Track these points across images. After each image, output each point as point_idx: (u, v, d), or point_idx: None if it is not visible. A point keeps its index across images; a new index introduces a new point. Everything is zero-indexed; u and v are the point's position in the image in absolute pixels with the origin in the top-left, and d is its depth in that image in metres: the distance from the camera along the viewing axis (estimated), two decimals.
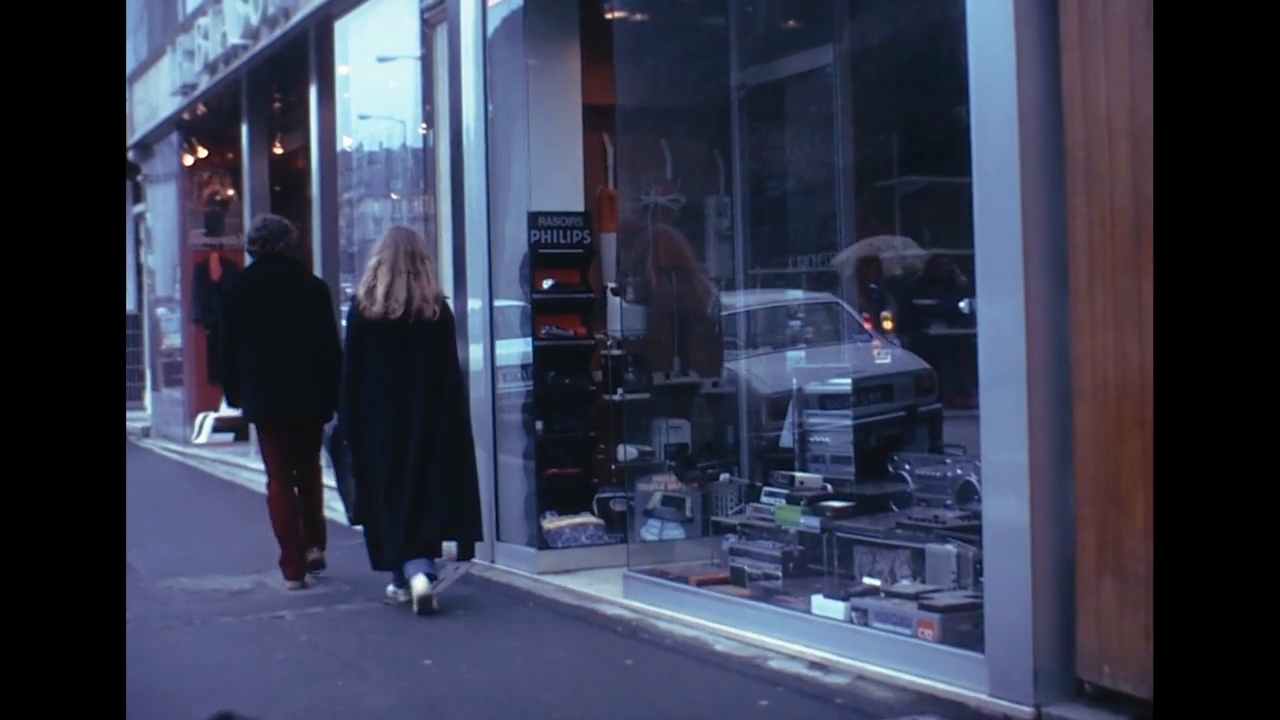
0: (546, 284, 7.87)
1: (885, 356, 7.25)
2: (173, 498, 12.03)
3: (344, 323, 7.29)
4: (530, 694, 5.33)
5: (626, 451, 7.57)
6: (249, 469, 12.39)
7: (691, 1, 8.15)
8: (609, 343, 7.96)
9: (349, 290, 10.16)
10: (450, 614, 6.85)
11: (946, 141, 5.60)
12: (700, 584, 6.40)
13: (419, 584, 6.77)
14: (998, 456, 4.75)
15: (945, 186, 6.36)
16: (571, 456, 7.97)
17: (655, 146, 8.11)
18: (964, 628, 5.01)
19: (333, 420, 7.35)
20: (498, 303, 8.05)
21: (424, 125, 9.64)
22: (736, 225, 7.74)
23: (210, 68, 13.95)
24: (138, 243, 19.61)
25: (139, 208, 19.10)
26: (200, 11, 14.23)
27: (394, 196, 10.61)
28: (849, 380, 6.91)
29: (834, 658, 5.39)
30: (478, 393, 8.03)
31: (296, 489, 7.79)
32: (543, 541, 7.64)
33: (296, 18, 11.54)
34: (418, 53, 9.60)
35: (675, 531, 7.34)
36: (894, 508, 6.12)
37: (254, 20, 12.33)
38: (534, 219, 7.83)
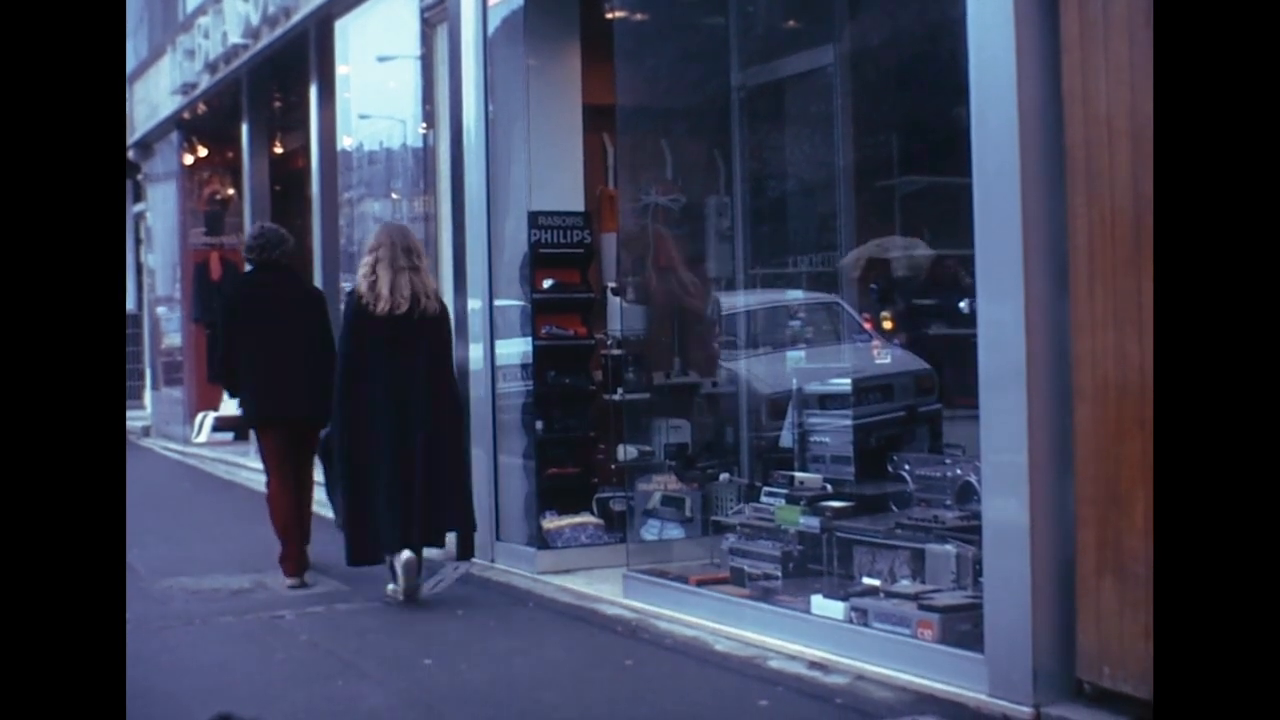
0: (547, 284, 7.88)
1: (885, 356, 7.25)
2: (173, 497, 12.03)
3: (343, 316, 7.32)
4: (530, 694, 5.33)
5: (626, 451, 7.57)
6: (249, 468, 12.38)
7: (692, 1, 8.14)
8: (609, 342, 7.96)
9: (349, 289, 10.16)
10: (450, 614, 6.85)
11: (947, 142, 5.60)
12: (700, 584, 6.40)
13: (407, 558, 6.91)
14: (998, 457, 4.75)
15: (945, 187, 6.36)
16: (571, 456, 7.97)
17: (655, 146, 8.11)
18: (964, 628, 5.01)
19: (327, 427, 7.40)
20: (498, 302, 8.05)
21: (424, 125, 9.63)
22: (737, 225, 7.74)
23: (210, 67, 13.95)
24: (138, 242, 19.61)
25: (139, 207, 19.10)
26: (200, 11, 14.23)
27: (394, 196, 10.60)
28: (849, 380, 6.91)
29: (834, 658, 5.39)
30: (478, 392, 8.04)
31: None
32: (543, 541, 7.64)
33: (297, 17, 11.54)
34: (418, 52, 9.59)
35: (675, 531, 7.35)
36: (894, 508, 6.12)
37: (254, 20, 12.33)
38: (534, 219, 7.83)
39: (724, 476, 7.31)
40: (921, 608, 5.20)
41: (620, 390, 7.70)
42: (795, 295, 7.85)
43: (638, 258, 8.10)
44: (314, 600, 7.27)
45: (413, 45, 9.67)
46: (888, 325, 7.37)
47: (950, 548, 5.44)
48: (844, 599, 5.57)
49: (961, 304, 6.00)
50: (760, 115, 7.84)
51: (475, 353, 8.09)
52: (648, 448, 7.66)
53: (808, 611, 5.70)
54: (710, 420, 7.89)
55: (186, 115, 15.79)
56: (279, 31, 11.97)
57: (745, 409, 7.70)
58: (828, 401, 6.93)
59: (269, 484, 7.86)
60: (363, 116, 11.17)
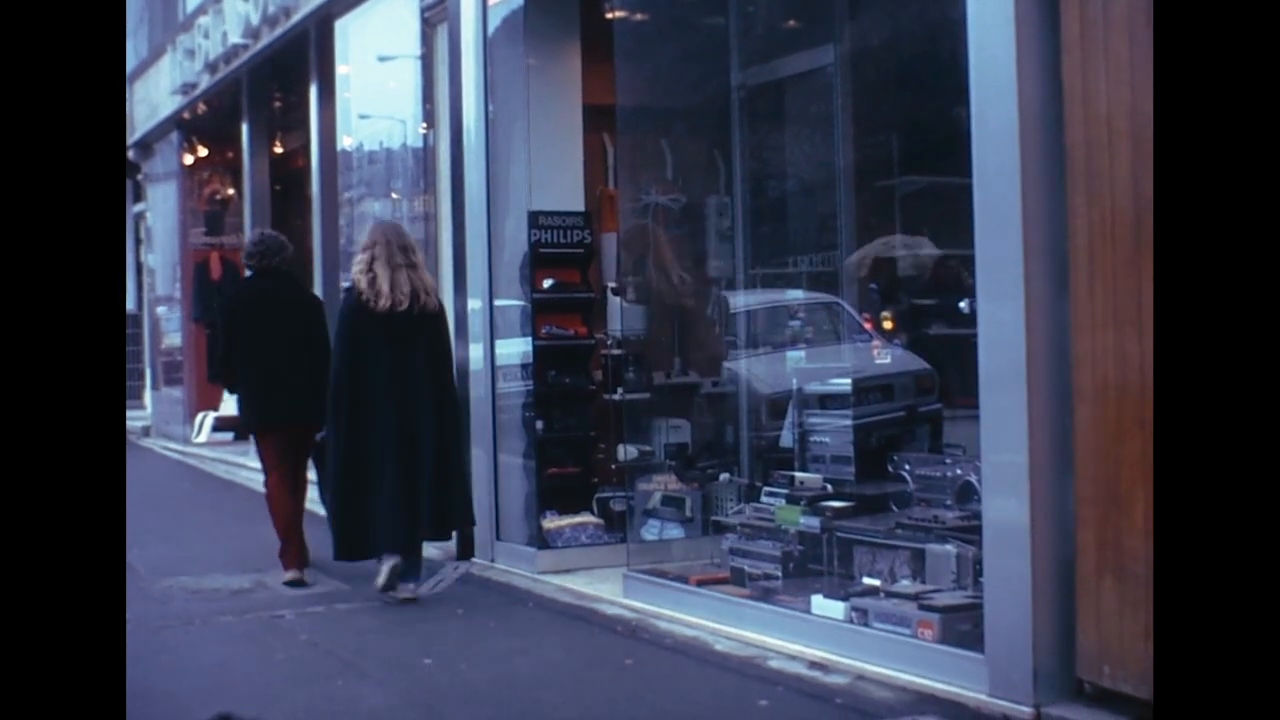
0: (547, 283, 7.88)
1: (885, 356, 7.25)
2: (173, 497, 12.03)
3: (340, 312, 7.34)
4: (530, 694, 5.33)
5: (626, 451, 7.57)
6: (249, 468, 12.37)
7: (692, 1, 8.14)
8: (609, 342, 7.96)
9: (347, 286, 10.16)
10: (450, 614, 6.85)
11: (947, 142, 5.60)
12: (700, 584, 6.40)
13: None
14: (998, 456, 4.75)
15: (945, 187, 6.35)
16: (572, 456, 7.97)
17: (655, 146, 8.11)
18: (964, 628, 5.01)
19: (323, 431, 7.43)
20: (498, 302, 8.05)
21: (424, 125, 9.63)
22: (737, 225, 7.74)
23: (211, 67, 13.95)
24: (138, 242, 19.61)
25: (139, 206, 19.09)
26: (201, 10, 14.23)
27: (394, 196, 10.60)
28: (849, 380, 6.91)
29: (834, 658, 5.39)
30: (478, 392, 8.04)
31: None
32: (543, 541, 7.64)
33: (297, 17, 11.54)
34: (418, 52, 9.59)
35: (675, 531, 7.35)
36: (894, 508, 6.12)
37: (254, 19, 12.33)
38: (534, 218, 7.84)
39: (724, 476, 7.31)
40: (922, 608, 5.20)
41: (620, 390, 7.70)
42: (795, 295, 7.85)
43: (638, 258, 8.10)
44: (314, 600, 7.27)
45: (413, 45, 9.67)
46: (888, 325, 7.37)
47: (950, 548, 5.44)
48: (844, 599, 5.57)
49: (961, 304, 6.00)
50: (760, 115, 7.85)
51: (475, 352, 8.09)
52: (648, 447, 7.66)
53: (808, 611, 5.70)
54: (710, 420, 7.89)
55: (186, 115, 15.79)
56: (279, 31, 11.97)
57: (745, 409, 7.71)
58: (828, 401, 6.93)
59: (267, 482, 7.97)
60: (363, 116, 11.17)
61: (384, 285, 6.97)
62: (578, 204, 8.09)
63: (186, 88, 15.00)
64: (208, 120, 15.64)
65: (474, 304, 8.15)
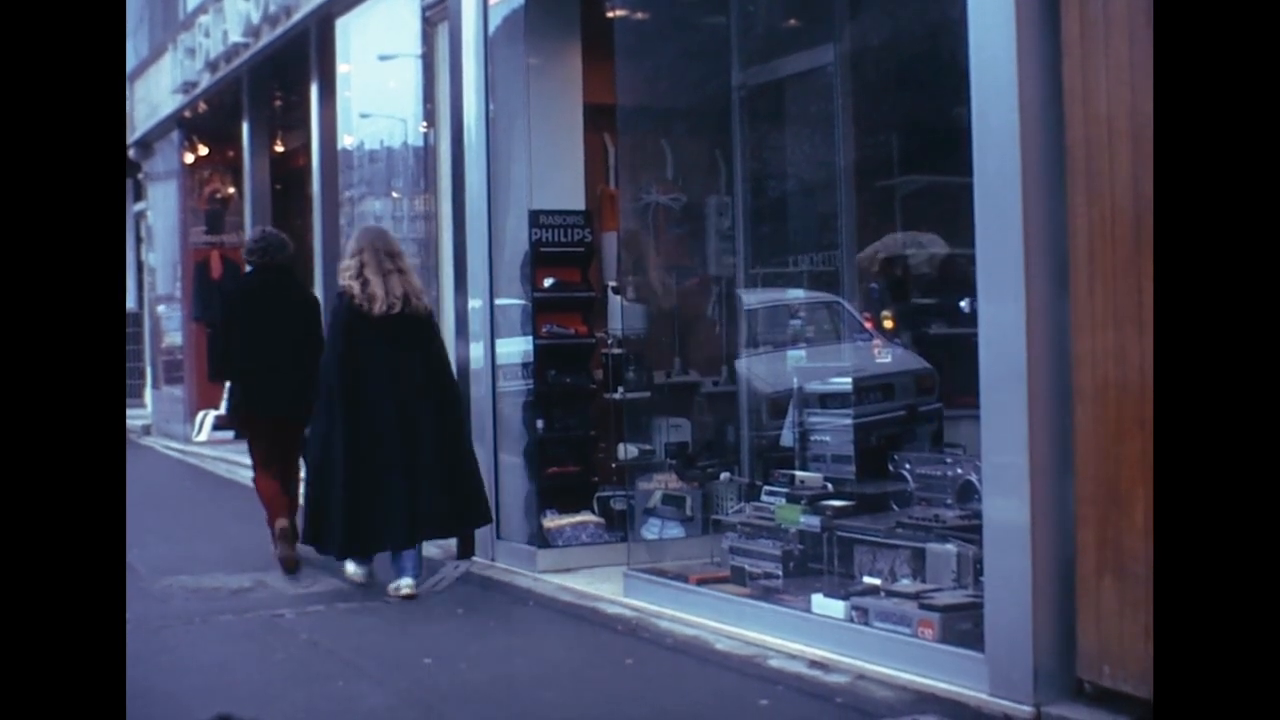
0: (547, 282, 7.87)
1: (886, 356, 7.24)
2: (173, 496, 12.03)
3: (333, 317, 7.37)
4: (530, 693, 5.33)
5: (627, 450, 7.57)
6: (249, 467, 12.34)
7: (692, 1, 8.14)
8: (610, 341, 7.96)
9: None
10: (450, 613, 6.85)
11: (947, 141, 5.59)
12: (700, 583, 6.40)
13: (407, 584, 7.10)
14: (998, 456, 4.74)
15: (946, 186, 6.35)
16: (572, 455, 7.97)
17: (656, 146, 8.11)
18: (964, 627, 5.01)
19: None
20: (498, 301, 8.05)
21: (425, 124, 9.64)
22: (737, 225, 7.74)
23: (211, 66, 13.95)
24: (138, 240, 19.61)
25: (140, 205, 19.09)
26: (201, 9, 14.22)
27: (395, 195, 10.61)
28: (849, 379, 6.91)
29: (834, 657, 5.39)
30: (478, 391, 8.04)
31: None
32: (543, 540, 7.63)
33: (297, 16, 11.54)
34: (419, 51, 9.60)
35: (675, 530, 7.35)
36: (894, 507, 6.12)
37: (255, 18, 12.33)
38: (535, 217, 7.84)
39: (724, 475, 7.30)
40: (922, 607, 5.20)
41: (621, 389, 7.70)
42: (796, 294, 7.85)
43: (638, 257, 8.10)
44: (314, 599, 7.27)
45: (413, 44, 9.67)
46: (888, 324, 7.36)
47: (951, 547, 5.43)
48: (844, 598, 5.56)
49: (962, 303, 6.00)
50: (761, 115, 7.84)
51: (476, 351, 8.09)
52: (648, 446, 7.66)
53: (808, 610, 5.70)
54: (711, 419, 7.89)
55: (187, 114, 15.79)
56: (280, 30, 11.97)
57: (746, 408, 7.70)
58: (828, 400, 6.93)
59: (254, 477, 8.24)
60: (363, 115, 11.17)
61: (377, 289, 7.06)
62: (578, 203, 8.09)
63: (187, 86, 15.00)
64: (208, 119, 15.64)
65: (475, 303, 8.15)
